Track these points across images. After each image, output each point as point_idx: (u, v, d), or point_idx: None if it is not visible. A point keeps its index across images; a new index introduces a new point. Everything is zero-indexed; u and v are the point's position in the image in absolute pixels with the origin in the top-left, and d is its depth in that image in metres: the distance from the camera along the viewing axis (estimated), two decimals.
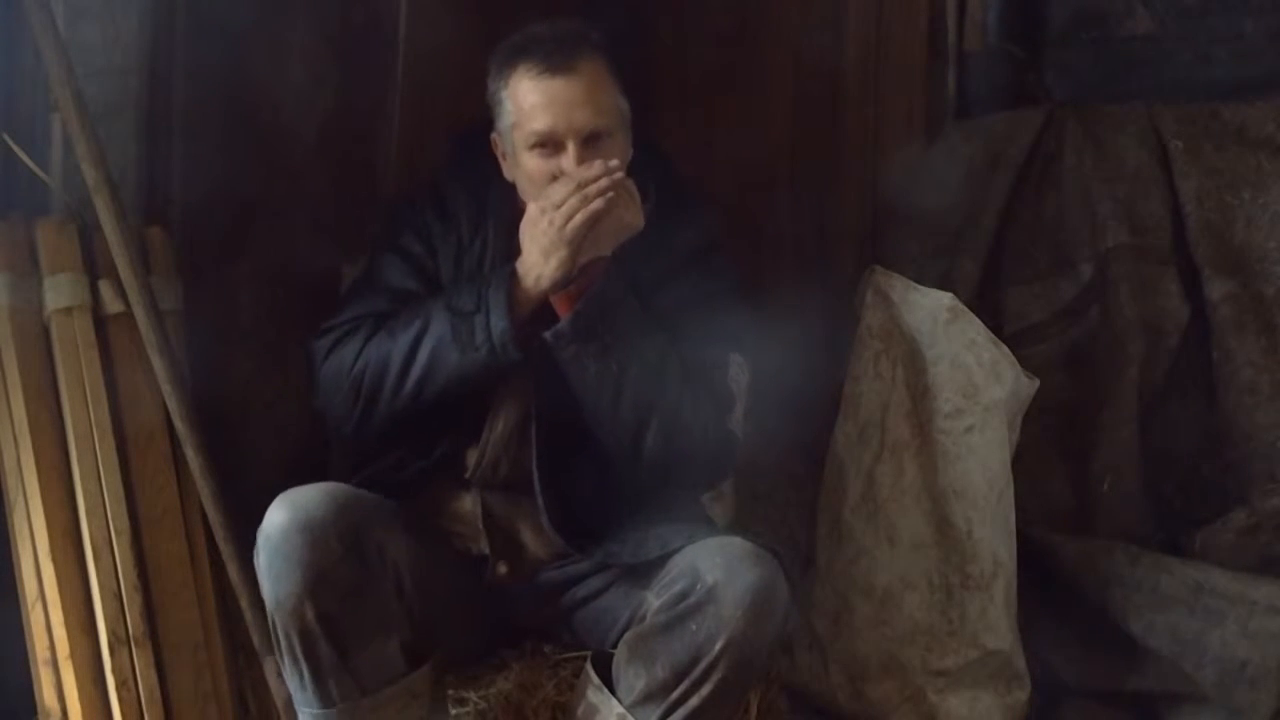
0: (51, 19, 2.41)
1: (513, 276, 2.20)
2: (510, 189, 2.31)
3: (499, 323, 2.18)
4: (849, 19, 3.36)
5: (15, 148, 2.48)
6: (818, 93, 3.37)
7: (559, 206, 2.15)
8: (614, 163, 2.18)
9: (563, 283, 2.19)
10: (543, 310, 2.22)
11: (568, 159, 2.20)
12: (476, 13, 2.88)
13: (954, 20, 3.38)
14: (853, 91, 3.38)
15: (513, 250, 2.24)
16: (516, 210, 2.27)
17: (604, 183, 2.15)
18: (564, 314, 2.19)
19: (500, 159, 2.31)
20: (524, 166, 2.25)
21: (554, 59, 2.20)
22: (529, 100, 2.21)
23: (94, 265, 2.48)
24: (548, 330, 2.19)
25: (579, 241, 2.16)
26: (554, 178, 2.20)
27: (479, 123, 2.32)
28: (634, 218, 2.20)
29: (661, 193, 2.33)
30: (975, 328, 2.78)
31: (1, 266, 2.41)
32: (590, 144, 2.20)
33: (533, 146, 2.22)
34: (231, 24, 2.65)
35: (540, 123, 2.20)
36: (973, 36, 3.39)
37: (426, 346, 2.22)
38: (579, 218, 2.14)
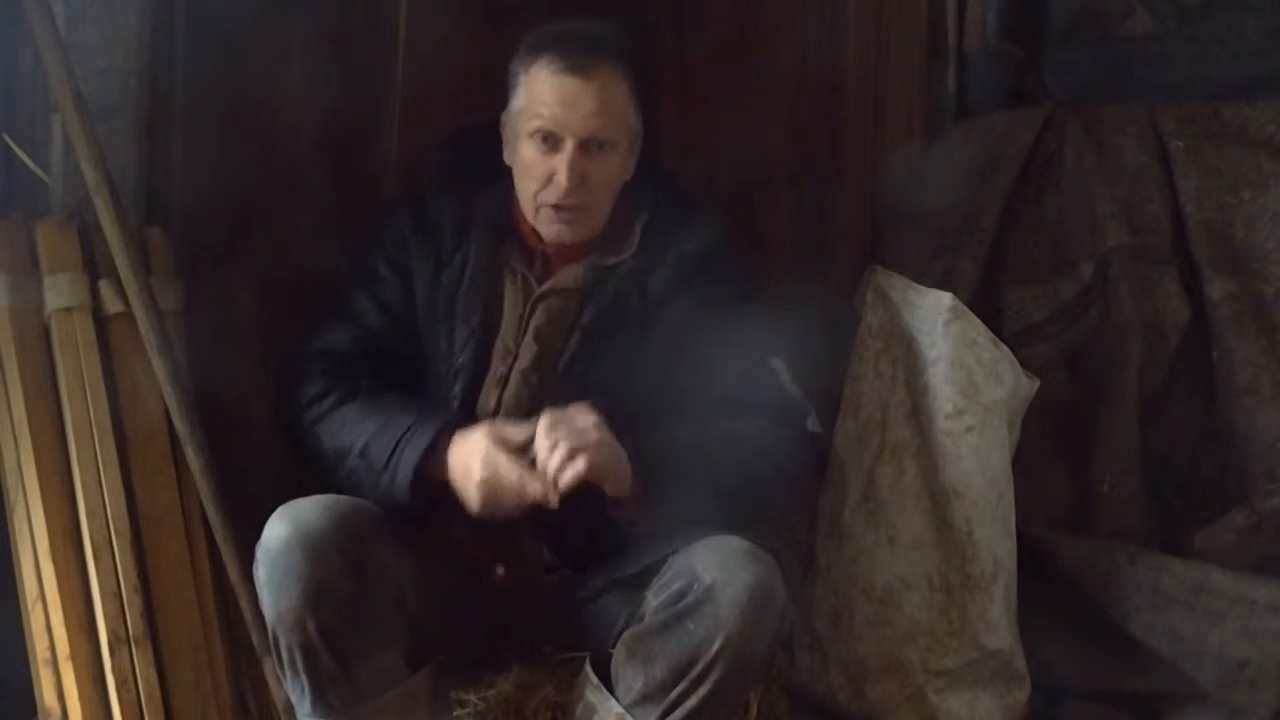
0: (51, 19, 2.41)
1: (433, 446, 2.16)
2: (498, 200, 2.31)
3: (400, 491, 2.16)
4: (849, 19, 3.35)
5: (15, 148, 2.49)
6: (818, 93, 3.37)
7: (507, 483, 2.11)
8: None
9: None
10: None
11: (561, 159, 2.20)
12: (476, 13, 2.88)
13: (954, 20, 3.39)
14: (853, 91, 3.37)
15: (494, 266, 2.25)
16: (502, 224, 2.27)
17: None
18: (617, 512, 2.17)
19: (504, 142, 2.30)
20: (520, 153, 2.26)
21: (576, 58, 2.21)
22: (542, 92, 2.22)
23: (94, 265, 2.48)
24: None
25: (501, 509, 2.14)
26: (547, 177, 2.21)
27: (474, 125, 2.32)
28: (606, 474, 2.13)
29: (664, 206, 2.34)
30: (975, 328, 2.77)
31: (1, 266, 2.41)
32: (587, 149, 2.21)
33: (533, 134, 2.23)
34: (231, 24, 2.65)
35: (546, 116, 2.21)
36: (973, 36, 3.40)
37: (345, 469, 2.21)
38: (506, 501, 2.12)
